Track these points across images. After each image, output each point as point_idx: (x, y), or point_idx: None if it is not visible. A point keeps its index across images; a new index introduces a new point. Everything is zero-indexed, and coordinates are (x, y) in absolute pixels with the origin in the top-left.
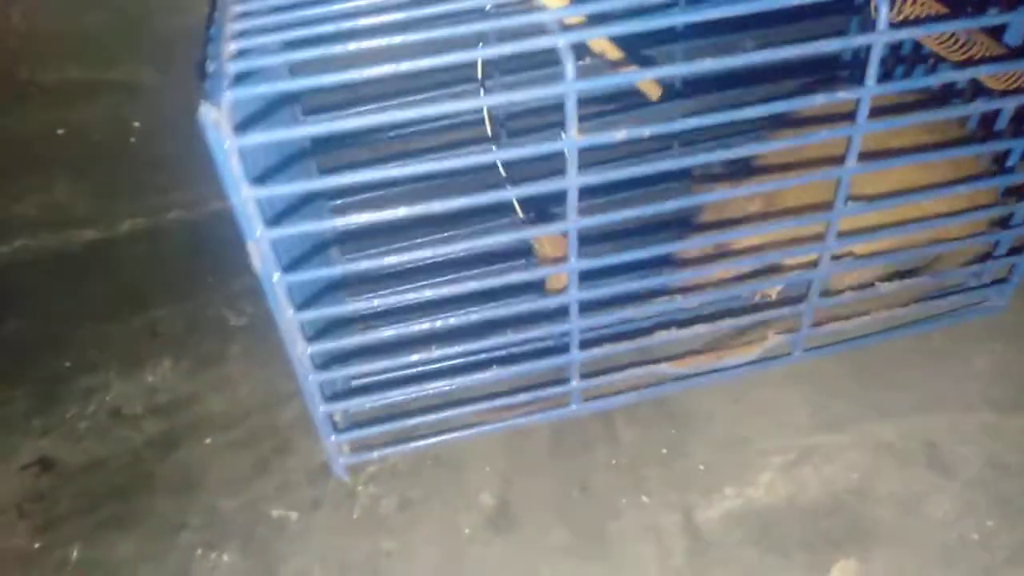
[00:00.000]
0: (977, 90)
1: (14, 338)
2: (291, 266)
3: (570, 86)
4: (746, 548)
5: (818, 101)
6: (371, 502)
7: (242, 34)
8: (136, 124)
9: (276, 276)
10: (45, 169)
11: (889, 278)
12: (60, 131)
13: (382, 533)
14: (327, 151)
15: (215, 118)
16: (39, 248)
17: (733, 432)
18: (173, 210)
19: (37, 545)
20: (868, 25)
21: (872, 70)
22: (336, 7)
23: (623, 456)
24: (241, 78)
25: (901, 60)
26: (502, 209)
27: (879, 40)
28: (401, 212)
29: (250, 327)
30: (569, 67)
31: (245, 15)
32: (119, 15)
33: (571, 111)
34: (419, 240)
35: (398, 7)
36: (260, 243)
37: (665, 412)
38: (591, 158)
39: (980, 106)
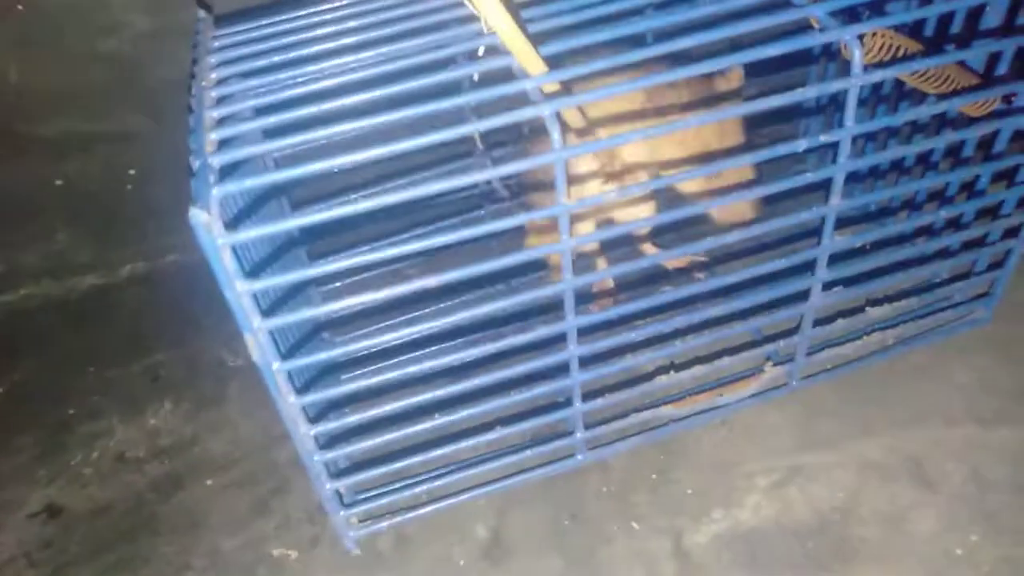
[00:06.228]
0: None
1: (20, 387)
2: (287, 351)
3: (558, 154)
4: (734, 571)
5: (801, 147)
6: (368, 538)
7: (221, 121)
8: (132, 172)
9: (276, 365)
10: (46, 219)
11: (877, 302)
12: (58, 182)
13: (379, 569)
14: (314, 237)
15: (205, 220)
16: (42, 296)
17: (720, 455)
18: (170, 254)
19: None
20: (842, 69)
21: (851, 112)
22: (315, 87)
23: (613, 483)
24: (226, 171)
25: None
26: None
27: (855, 84)
28: (393, 292)
29: (247, 367)
30: (556, 135)
31: (224, 100)
32: (111, 68)
33: (560, 177)
34: (414, 314)
35: (377, 81)
36: (258, 335)
37: (654, 437)
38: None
39: (949, 136)
